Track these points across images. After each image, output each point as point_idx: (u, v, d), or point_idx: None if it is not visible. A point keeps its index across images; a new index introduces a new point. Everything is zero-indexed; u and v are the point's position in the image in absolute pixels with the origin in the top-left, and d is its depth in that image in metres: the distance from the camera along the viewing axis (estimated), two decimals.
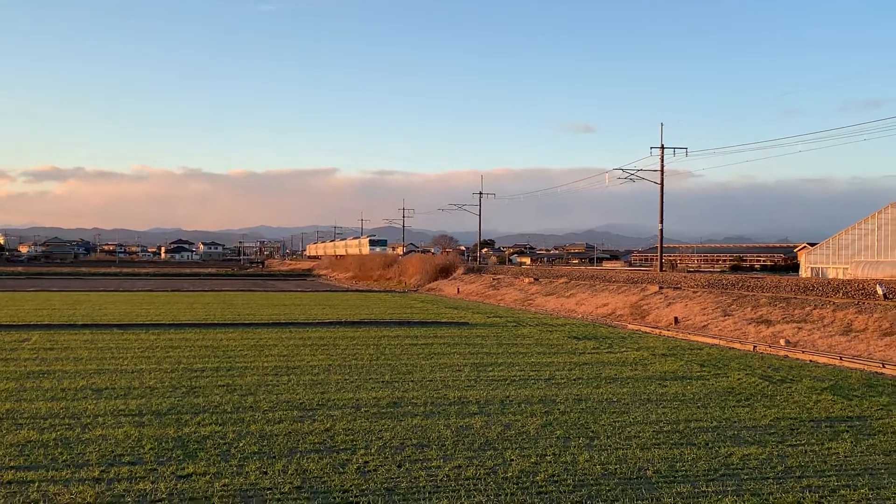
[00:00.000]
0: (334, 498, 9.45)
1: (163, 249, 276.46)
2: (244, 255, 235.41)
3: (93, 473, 10.32)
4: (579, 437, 12.60)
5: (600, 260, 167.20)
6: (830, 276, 60.32)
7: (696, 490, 9.90)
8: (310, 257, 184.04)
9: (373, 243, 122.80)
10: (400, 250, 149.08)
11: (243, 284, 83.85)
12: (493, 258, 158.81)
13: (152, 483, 9.94)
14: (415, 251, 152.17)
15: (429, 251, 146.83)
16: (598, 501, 9.42)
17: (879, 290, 28.50)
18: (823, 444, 12.35)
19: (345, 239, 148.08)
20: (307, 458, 11.14)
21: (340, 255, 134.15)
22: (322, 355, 22.58)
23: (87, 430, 12.71)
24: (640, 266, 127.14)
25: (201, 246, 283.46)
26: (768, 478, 10.48)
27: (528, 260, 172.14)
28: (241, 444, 11.90)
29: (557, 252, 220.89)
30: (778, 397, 16.39)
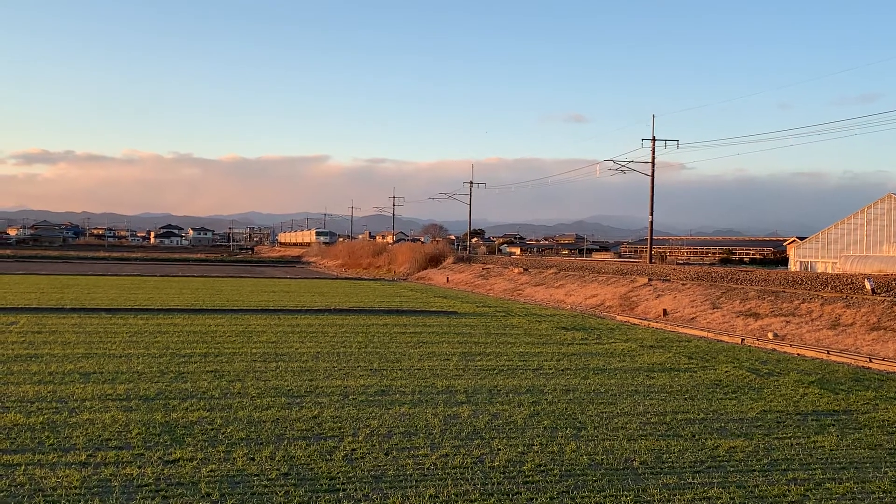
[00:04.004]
0: (321, 485, 9.46)
1: (152, 234, 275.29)
2: (234, 241, 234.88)
3: (79, 458, 10.30)
4: (566, 428, 12.63)
5: (590, 251, 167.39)
6: (819, 270, 60.52)
7: (683, 482, 9.94)
8: (281, 244, 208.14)
9: (318, 234, 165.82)
10: (390, 238, 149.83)
11: (233, 270, 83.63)
12: (483, 248, 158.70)
13: (139, 468, 9.93)
14: (405, 239, 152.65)
15: (419, 240, 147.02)
16: (584, 492, 9.44)
17: (868, 285, 28.60)
18: (809, 437, 12.41)
19: (310, 229, 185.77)
20: (295, 445, 11.14)
21: (298, 243, 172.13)
22: (311, 342, 22.57)
23: (74, 415, 12.68)
24: (630, 258, 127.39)
25: (191, 231, 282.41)
26: (754, 470, 10.53)
27: (517, 250, 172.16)
28: (228, 430, 11.89)
29: (547, 242, 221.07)
30: (765, 390, 16.46)
